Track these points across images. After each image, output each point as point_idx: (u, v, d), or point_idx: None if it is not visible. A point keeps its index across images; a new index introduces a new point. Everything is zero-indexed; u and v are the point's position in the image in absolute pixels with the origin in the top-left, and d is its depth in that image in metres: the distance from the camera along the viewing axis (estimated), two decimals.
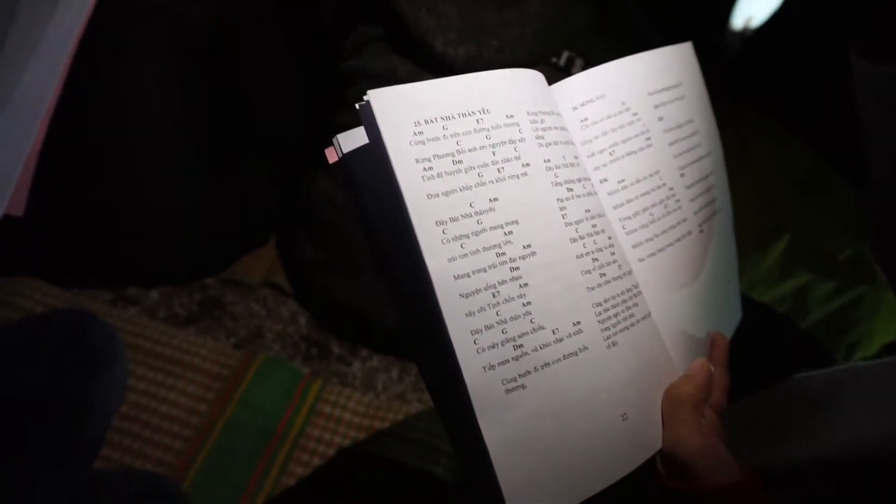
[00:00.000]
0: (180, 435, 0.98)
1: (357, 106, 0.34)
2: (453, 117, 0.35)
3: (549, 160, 0.39)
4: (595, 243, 0.40)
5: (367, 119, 0.34)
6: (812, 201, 0.98)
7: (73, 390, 0.72)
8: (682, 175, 0.48)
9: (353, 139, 0.36)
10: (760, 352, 0.77)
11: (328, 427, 1.05)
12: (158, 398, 1.01)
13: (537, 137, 0.38)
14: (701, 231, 0.49)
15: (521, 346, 0.36)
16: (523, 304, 0.36)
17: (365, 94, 0.33)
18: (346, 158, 0.36)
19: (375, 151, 0.34)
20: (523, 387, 0.36)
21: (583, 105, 0.44)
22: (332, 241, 1.12)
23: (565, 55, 0.94)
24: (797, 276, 0.90)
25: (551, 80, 0.44)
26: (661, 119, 0.47)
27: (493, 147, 0.36)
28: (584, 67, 0.93)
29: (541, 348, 0.36)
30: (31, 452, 0.67)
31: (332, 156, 0.37)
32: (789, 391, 0.53)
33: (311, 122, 1.17)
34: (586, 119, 0.44)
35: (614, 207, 0.44)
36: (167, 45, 0.96)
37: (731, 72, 1.32)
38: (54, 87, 0.63)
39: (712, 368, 0.44)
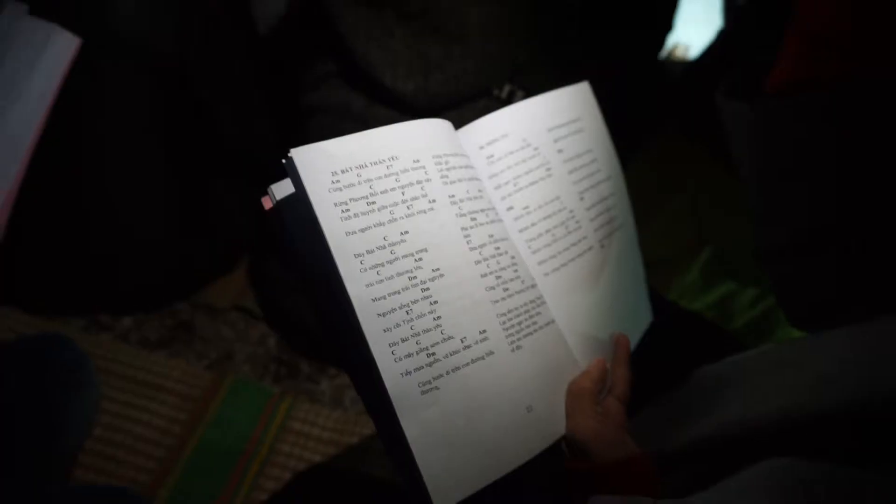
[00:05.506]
0: (153, 455, 1.02)
1: (283, 161, 0.41)
2: (366, 165, 0.42)
3: (453, 195, 0.46)
4: (498, 263, 0.47)
5: (291, 173, 0.40)
6: (736, 217, 1.06)
7: (44, 412, 0.75)
8: (582, 199, 0.55)
9: (283, 188, 0.43)
10: (688, 355, 0.85)
11: (298, 443, 1.10)
12: (132, 420, 1.06)
13: (442, 177, 0.45)
14: (602, 246, 0.57)
15: (433, 353, 0.42)
16: (434, 319, 0.43)
17: (289, 152, 0.40)
18: (279, 205, 0.43)
19: (301, 199, 0.40)
20: (437, 388, 0.42)
21: (488, 144, 0.51)
22: None
23: (507, 88, 1.02)
24: (721, 285, 0.99)
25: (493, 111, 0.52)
26: (560, 151, 0.55)
27: (403, 188, 0.43)
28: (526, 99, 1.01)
29: (451, 355, 0.43)
30: None
31: (267, 203, 0.43)
32: (690, 383, 0.61)
33: (279, 148, 1.22)
34: (492, 156, 0.51)
35: (520, 231, 0.51)
36: (139, 78, 1.01)
37: (669, 99, 1.41)
38: (39, 124, 0.69)
39: (608, 365, 0.52)
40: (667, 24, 1.47)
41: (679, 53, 1.98)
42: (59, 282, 1.15)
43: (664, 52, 1.75)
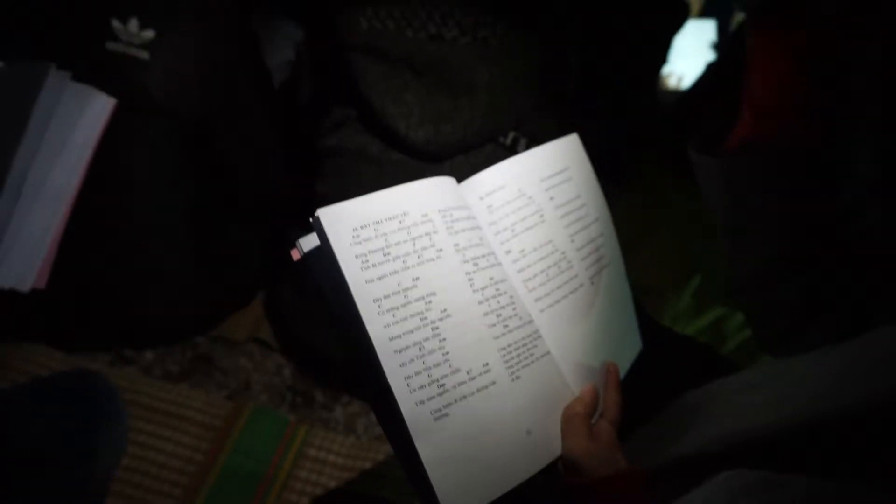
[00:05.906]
0: (179, 482, 1.08)
1: (311, 219, 0.47)
2: (382, 221, 0.49)
3: (458, 244, 0.52)
4: (498, 303, 0.53)
5: (318, 229, 0.47)
6: (721, 244, 1.12)
7: (77, 444, 0.81)
8: (573, 241, 0.62)
9: (310, 241, 0.49)
10: (683, 377, 0.91)
11: (315, 469, 1.15)
12: (157, 449, 1.12)
13: (447, 228, 0.52)
14: (592, 283, 0.63)
15: (443, 385, 0.48)
16: (443, 354, 0.49)
17: (316, 211, 0.47)
18: (306, 256, 0.49)
19: (327, 251, 0.47)
20: (447, 415, 0.48)
21: (488, 195, 0.58)
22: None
23: (511, 135, 1.10)
24: (712, 310, 1.05)
25: (498, 158, 0.59)
26: (552, 199, 0.61)
27: (413, 240, 0.50)
28: (528, 146, 1.08)
29: (459, 385, 0.49)
30: (36, 501, 0.76)
31: (295, 255, 0.50)
32: (683, 403, 0.66)
33: (293, 189, 1.30)
34: (491, 205, 0.58)
35: (517, 272, 0.57)
36: (166, 132, 1.09)
37: (664, 128, 1.48)
38: (79, 178, 0.76)
39: (599, 391, 0.57)
40: (661, 57, 1.54)
41: (672, 83, 2.06)
42: (89, 321, 1.21)
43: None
